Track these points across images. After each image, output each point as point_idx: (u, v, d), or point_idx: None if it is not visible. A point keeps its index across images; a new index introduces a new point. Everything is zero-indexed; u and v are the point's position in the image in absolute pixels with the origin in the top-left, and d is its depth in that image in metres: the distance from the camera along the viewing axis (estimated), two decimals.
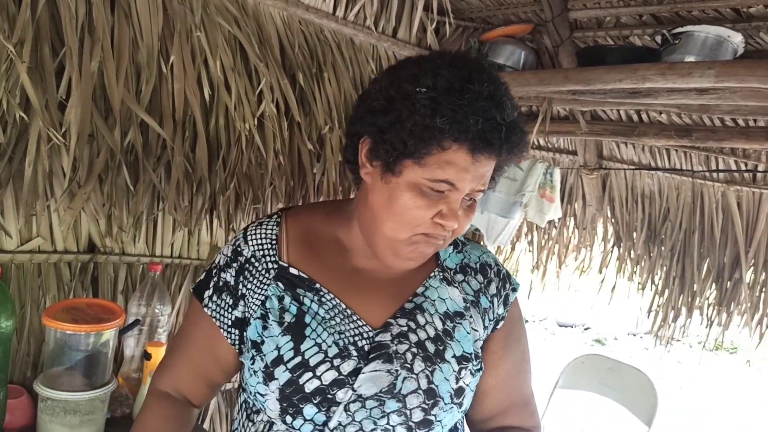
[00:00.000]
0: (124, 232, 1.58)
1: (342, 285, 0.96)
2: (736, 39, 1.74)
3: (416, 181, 0.84)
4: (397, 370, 0.89)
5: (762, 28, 1.75)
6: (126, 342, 1.55)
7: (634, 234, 3.21)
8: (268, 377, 0.89)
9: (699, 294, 2.86)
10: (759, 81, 1.55)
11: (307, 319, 0.91)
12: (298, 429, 0.89)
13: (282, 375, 0.88)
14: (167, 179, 1.48)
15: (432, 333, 0.94)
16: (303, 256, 0.97)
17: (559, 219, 3.48)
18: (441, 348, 0.93)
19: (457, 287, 0.99)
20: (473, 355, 0.95)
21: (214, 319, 0.96)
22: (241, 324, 0.95)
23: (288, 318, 0.91)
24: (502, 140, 0.81)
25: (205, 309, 0.97)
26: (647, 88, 1.87)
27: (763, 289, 2.70)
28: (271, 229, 0.99)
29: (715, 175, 2.73)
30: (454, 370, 0.92)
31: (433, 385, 0.90)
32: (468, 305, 0.98)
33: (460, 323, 0.96)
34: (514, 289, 1.04)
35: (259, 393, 0.91)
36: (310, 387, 0.87)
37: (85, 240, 1.56)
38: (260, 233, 0.99)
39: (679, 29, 1.79)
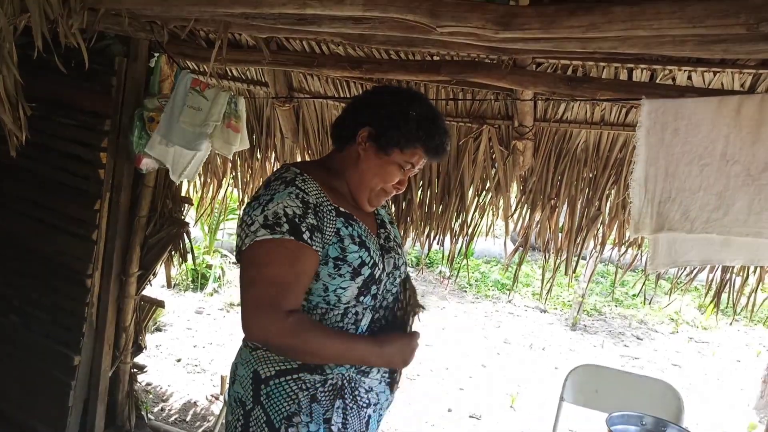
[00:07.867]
0: None
1: (357, 215, 1.53)
2: None
3: (398, 161, 1.52)
4: (397, 254, 1.62)
5: None
6: None
7: None
8: (355, 274, 1.45)
9: None
10: (398, 11, 1.67)
11: (363, 237, 1.50)
12: (363, 303, 1.49)
13: (366, 271, 1.47)
14: None
15: (392, 233, 1.68)
16: (336, 199, 1.50)
17: (262, 154, 3.49)
18: (398, 239, 1.70)
19: (383, 212, 1.73)
20: None
21: (318, 251, 1.41)
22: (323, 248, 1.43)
23: (357, 239, 1.47)
24: (440, 153, 1.57)
25: (313, 245, 1.40)
26: (311, 15, 1.90)
27: (433, 206, 3.10)
28: (313, 183, 1.46)
29: None
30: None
31: (404, 257, 1.68)
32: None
33: (394, 227, 1.74)
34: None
35: (340, 287, 1.44)
36: (376, 274, 1.50)
37: None
38: (310, 186, 1.45)
39: None
